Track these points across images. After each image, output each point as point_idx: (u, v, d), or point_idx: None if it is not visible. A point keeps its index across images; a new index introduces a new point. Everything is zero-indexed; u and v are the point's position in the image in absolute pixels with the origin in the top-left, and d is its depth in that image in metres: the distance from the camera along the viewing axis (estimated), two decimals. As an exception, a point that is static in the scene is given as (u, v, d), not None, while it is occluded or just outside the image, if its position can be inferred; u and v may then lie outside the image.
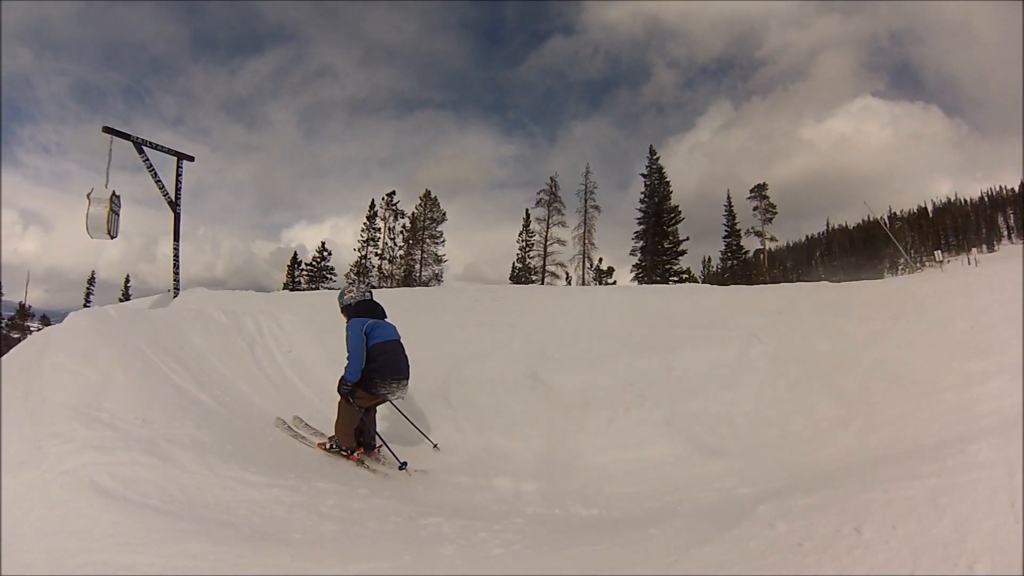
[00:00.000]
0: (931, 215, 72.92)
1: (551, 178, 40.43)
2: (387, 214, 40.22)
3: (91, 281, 43.46)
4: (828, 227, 76.80)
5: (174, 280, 9.50)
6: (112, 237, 8.63)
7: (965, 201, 75.34)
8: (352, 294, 5.19)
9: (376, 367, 4.77)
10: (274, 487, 3.39)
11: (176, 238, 9.64)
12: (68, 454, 3.34)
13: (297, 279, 39.98)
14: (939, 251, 52.80)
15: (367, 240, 39.57)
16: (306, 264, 40.40)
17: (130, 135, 8.83)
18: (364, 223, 39.73)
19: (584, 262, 38.54)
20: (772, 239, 41.99)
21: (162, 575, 2.30)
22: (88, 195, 8.43)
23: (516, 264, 39.54)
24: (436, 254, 40.52)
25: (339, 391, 4.81)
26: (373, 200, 40.39)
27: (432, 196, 41.10)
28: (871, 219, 72.32)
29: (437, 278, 40.05)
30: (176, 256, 9.72)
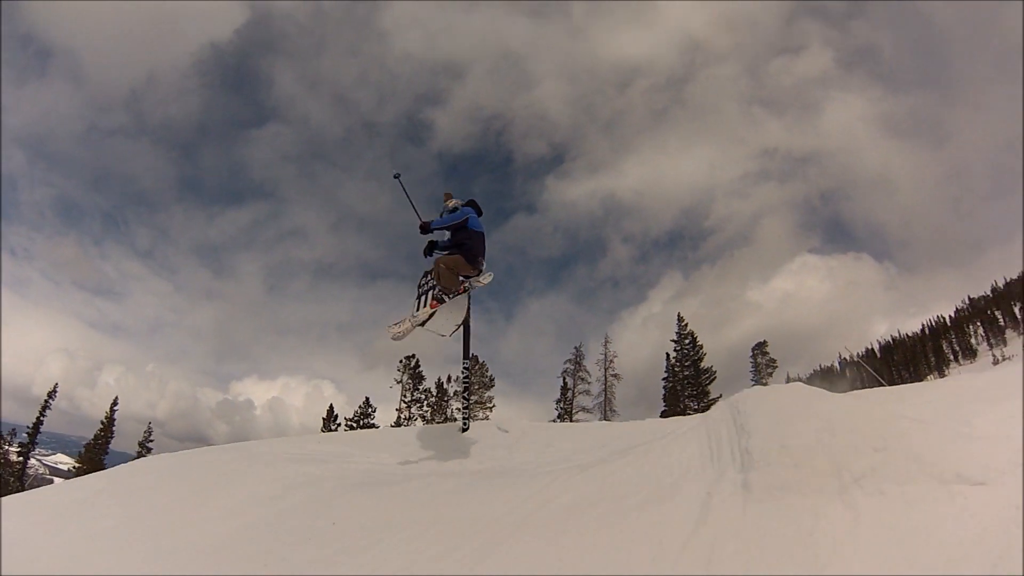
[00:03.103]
0: (879, 355, 76.61)
1: (576, 348, 39.26)
2: (407, 380, 37.35)
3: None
4: (787, 380, 78.78)
5: (465, 412, 8.83)
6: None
7: (907, 336, 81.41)
8: (455, 201, 7.22)
9: (472, 244, 6.88)
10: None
11: (467, 379, 9.27)
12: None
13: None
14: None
15: (410, 401, 37.02)
16: (346, 419, 36.83)
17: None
18: (404, 383, 37.18)
19: (606, 428, 36.88)
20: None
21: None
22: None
23: (552, 431, 37.20)
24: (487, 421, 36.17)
25: (421, 228, 6.84)
26: (408, 360, 37.54)
27: (480, 361, 37.46)
28: (823, 367, 76.49)
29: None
30: (467, 385, 9.33)
